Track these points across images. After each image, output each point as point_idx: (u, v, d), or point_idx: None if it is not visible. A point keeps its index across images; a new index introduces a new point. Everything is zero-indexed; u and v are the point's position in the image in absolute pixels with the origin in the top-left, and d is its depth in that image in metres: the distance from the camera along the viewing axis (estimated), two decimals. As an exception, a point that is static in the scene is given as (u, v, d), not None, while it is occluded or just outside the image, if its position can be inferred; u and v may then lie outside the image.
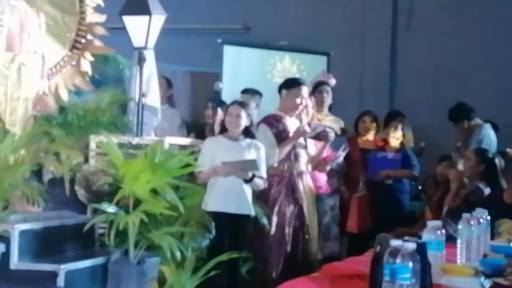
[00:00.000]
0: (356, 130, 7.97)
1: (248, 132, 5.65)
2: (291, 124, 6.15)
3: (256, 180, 5.51)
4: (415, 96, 9.84)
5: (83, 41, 6.52)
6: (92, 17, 6.58)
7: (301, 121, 6.20)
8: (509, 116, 8.94)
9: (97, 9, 6.63)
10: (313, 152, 6.35)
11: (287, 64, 8.87)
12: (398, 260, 2.55)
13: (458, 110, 8.09)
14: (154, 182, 4.89)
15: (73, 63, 6.46)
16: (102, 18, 6.64)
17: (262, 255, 5.86)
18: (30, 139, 5.44)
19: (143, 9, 6.35)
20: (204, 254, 5.40)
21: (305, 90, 6.21)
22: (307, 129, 6.12)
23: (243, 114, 5.59)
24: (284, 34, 9.71)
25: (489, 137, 7.95)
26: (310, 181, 6.27)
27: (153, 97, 6.62)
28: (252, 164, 5.48)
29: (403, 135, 7.51)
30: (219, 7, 10.64)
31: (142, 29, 6.35)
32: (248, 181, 5.48)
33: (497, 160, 6.61)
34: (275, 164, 5.98)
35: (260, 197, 5.85)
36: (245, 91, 7.73)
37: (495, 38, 9.78)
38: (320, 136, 6.26)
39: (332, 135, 6.30)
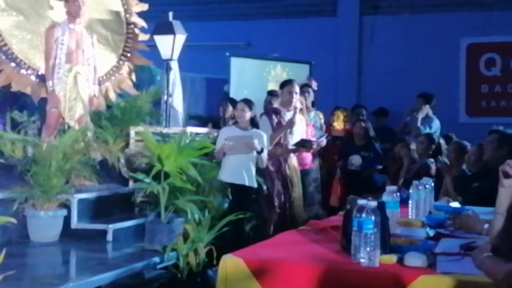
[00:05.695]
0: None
1: (253, 123, 5.67)
2: (287, 117, 6.09)
3: (263, 155, 5.52)
4: (375, 94, 9.87)
5: (128, 55, 6.56)
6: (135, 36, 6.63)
7: (294, 113, 6.09)
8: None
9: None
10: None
11: (278, 71, 8.83)
12: (363, 215, 2.55)
13: None
14: (180, 161, 4.90)
15: (120, 72, 6.47)
16: (145, 37, 6.65)
17: (261, 215, 5.86)
18: (85, 130, 5.45)
19: (169, 30, 6.36)
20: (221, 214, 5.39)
21: (295, 86, 6.17)
22: (294, 120, 6.06)
23: (247, 108, 5.61)
24: (276, 48, 9.72)
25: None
26: (295, 160, 6.21)
27: (177, 97, 6.63)
28: (249, 140, 5.46)
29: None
30: (227, 29, 10.67)
31: (168, 45, 6.35)
32: (259, 152, 5.48)
33: (442, 141, 6.61)
34: (270, 147, 5.91)
35: (260, 172, 5.85)
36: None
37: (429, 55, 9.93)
38: (305, 145, 6.06)
39: (314, 147, 6.10)
